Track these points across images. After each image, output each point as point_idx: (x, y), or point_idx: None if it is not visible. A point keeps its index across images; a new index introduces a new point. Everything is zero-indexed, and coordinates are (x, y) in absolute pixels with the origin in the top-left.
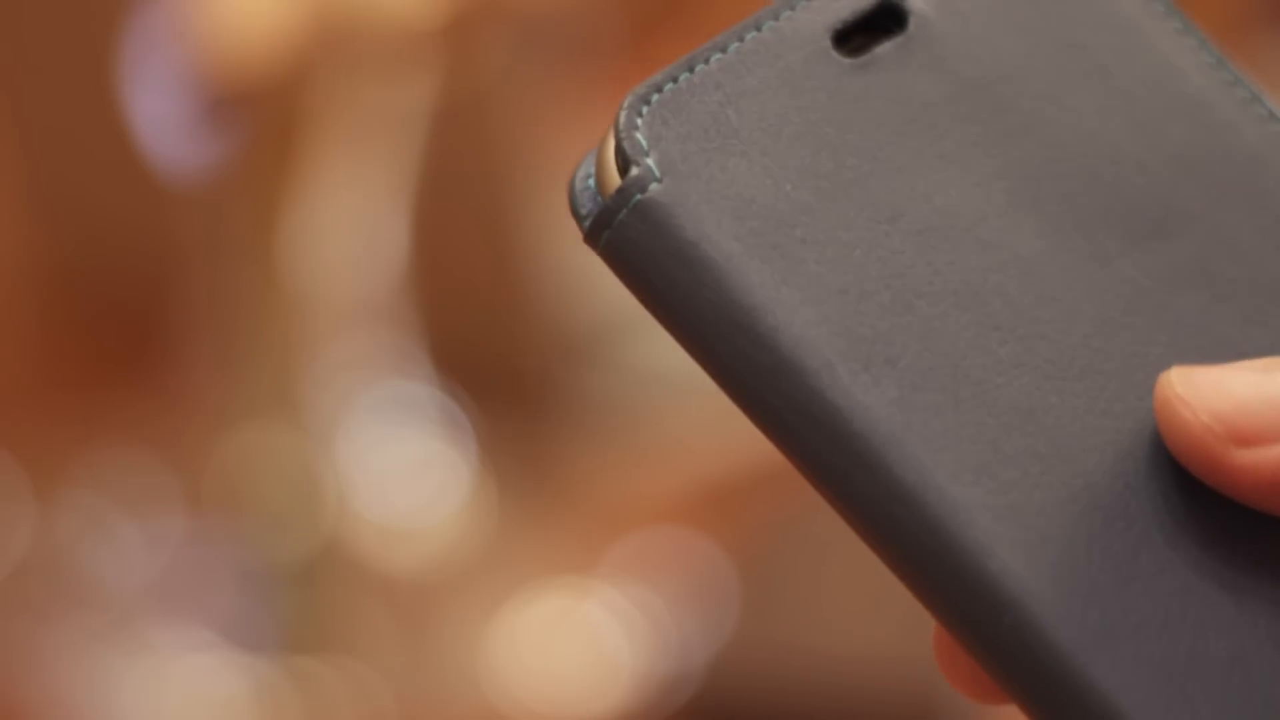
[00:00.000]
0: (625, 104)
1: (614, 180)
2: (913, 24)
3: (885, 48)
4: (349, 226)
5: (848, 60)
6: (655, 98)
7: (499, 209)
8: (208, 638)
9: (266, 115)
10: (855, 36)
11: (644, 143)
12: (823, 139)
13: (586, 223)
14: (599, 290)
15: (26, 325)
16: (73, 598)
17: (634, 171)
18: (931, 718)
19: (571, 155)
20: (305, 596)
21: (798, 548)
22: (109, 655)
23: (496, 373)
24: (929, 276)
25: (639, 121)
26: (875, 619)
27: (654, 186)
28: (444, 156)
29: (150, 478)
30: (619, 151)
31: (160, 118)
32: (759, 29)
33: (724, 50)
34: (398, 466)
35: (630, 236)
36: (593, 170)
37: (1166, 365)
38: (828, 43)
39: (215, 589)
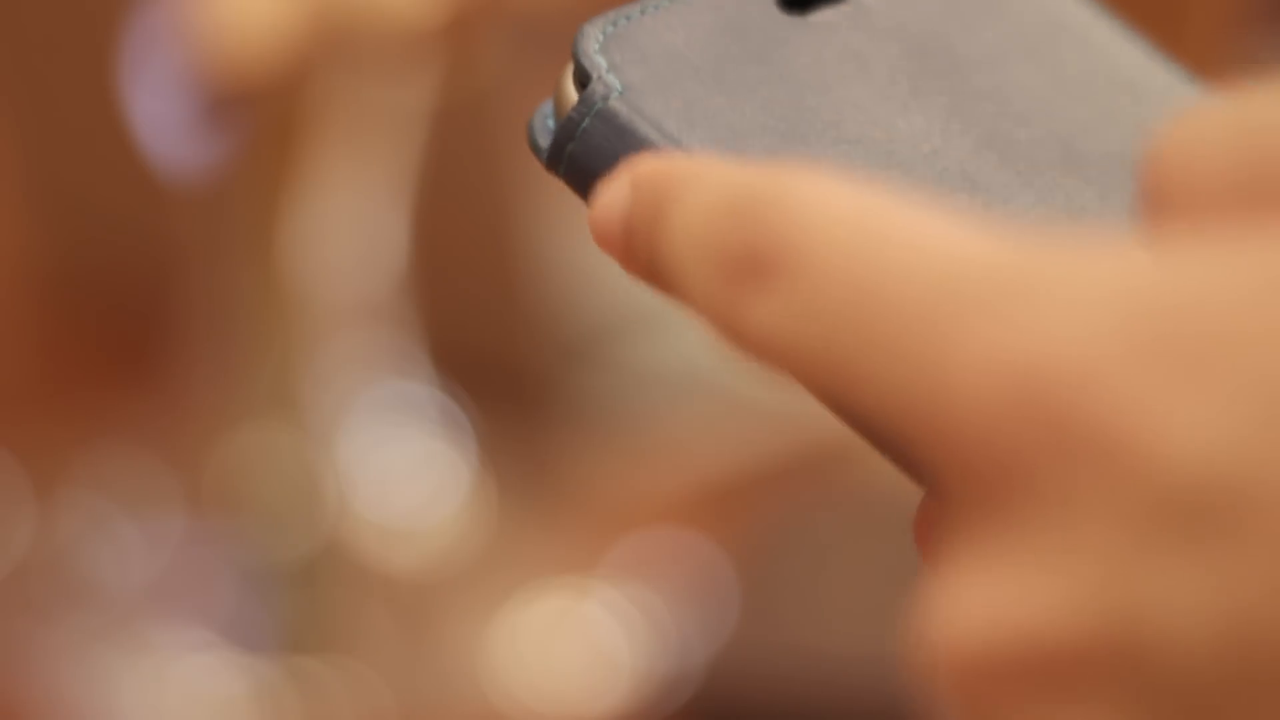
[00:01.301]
0: (581, 33)
1: (574, 99)
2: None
3: (825, 12)
4: (349, 226)
5: (790, 17)
6: (610, 29)
7: (499, 209)
8: (208, 638)
9: (266, 115)
10: (797, 2)
11: (603, 62)
12: (771, 72)
13: (548, 145)
14: (599, 290)
15: (26, 325)
16: (73, 598)
17: (595, 83)
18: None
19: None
20: (305, 596)
21: (798, 548)
22: (109, 655)
23: (496, 373)
24: (879, 178)
25: (596, 46)
26: (875, 619)
27: (615, 94)
28: (444, 156)
29: (150, 478)
30: (578, 71)
31: (160, 118)
32: None
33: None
34: (398, 466)
35: (595, 143)
36: (550, 108)
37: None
38: (772, 3)
39: (215, 589)
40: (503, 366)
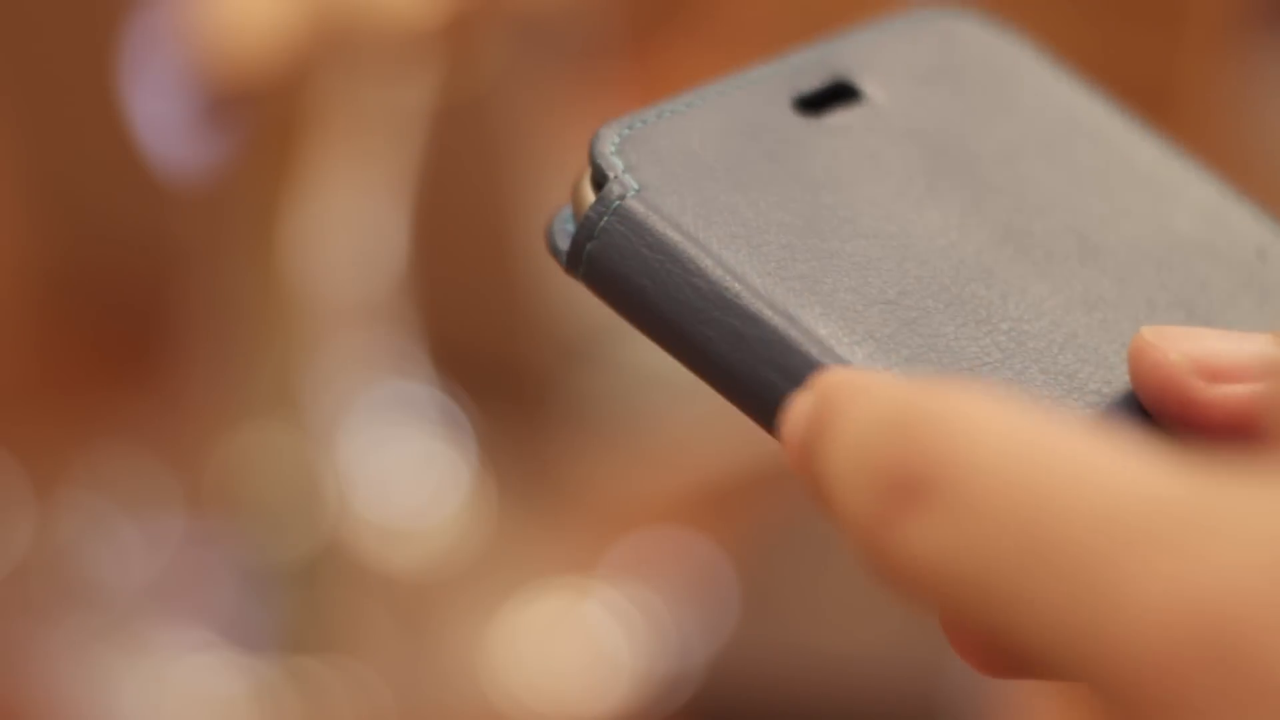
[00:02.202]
0: (597, 136)
1: (591, 200)
2: (863, 99)
3: (838, 115)
4: (349, 226)
5: (805, 119)
6: (626, 132)
7: (499, 209)
8: (208, 638)
9: (266, 115)
10: (811, 106)
11: (619, 163)
12: (786, 171)
13: (567, 247)
14: None
15: (26, 325)
16: (73, 598)
17: (612, 183)
18: (931, 718)
19: (572, 155)
20: (305, 596)
21: (798, 548)
22: (109, 655)
23: (496, 373)
24: (896, 271)
25: (612, 149)
26: (875, 619)
27: (633, 192)
28: (444, 156)
29: (150, 478)
30: (595, 173)
31: (160, 118)
32: (723, 93)
33: (688, 103)
34: (398, 466)
35: (613, 241)
36: (569, 212)
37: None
38: (787, 104)
39: (215, 589)
40: (503, 366)
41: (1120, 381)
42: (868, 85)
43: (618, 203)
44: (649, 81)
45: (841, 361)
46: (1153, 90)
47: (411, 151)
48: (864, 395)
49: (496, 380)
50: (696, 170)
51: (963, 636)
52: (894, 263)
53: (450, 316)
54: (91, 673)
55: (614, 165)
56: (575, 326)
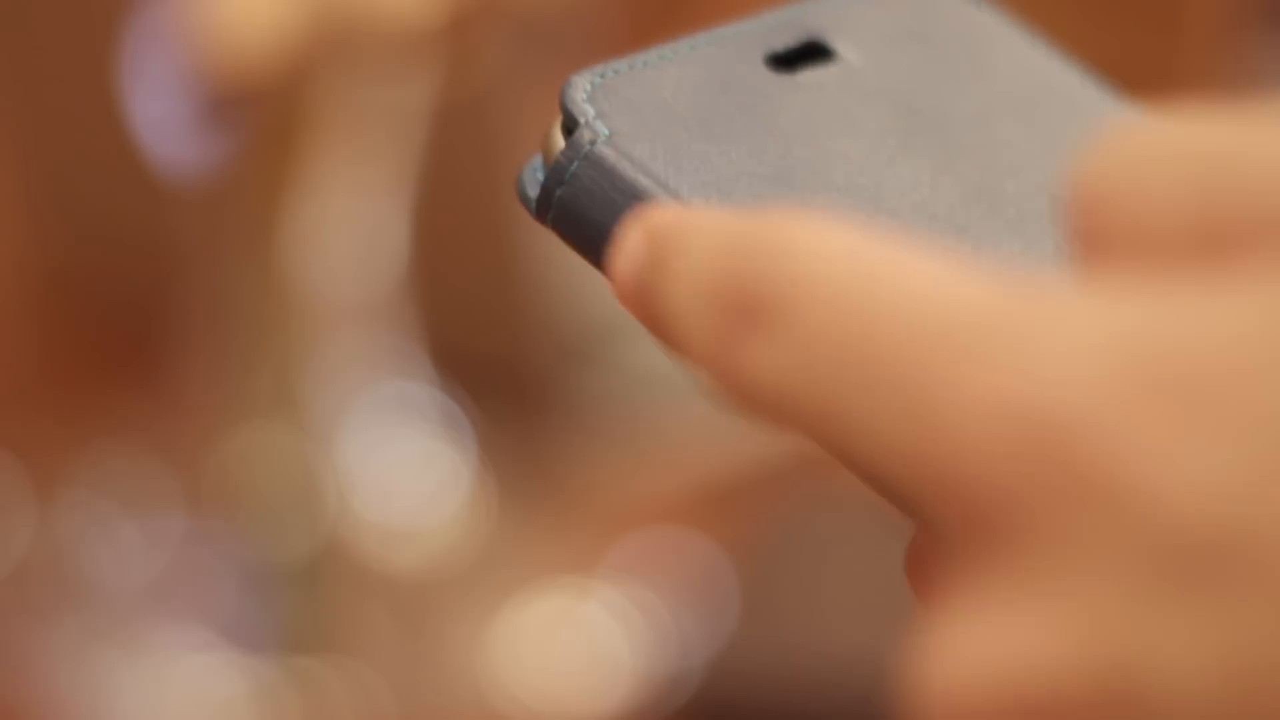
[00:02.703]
0: (568, 83)
1: (562, 146)
2: (836, 58)
3: (811, 73)
4: (349, 226)
5: (778, 76)
6: (598, 80)
7: (499, 209)
8: (208, 638)
9: (266, 115)
10: (785, 63)
11: (590, 110)
12: (758, 124)
13: (537, 193)
14: (599, 291)
15: (26, 325)
16: (73, 598)
17: (583, 129)
18: None
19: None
20: (305, 596)
21: (798, 548)
22: (109, 655)
23: (496, 373)
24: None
25: (584, 96)
26: (875, 619)
27: (602, 139)
28: (444, 156)
29: (150, 478)
30: (566, 120)
31: (160, 118)
32: (696, 47)
33: (661, 55)
34: (398, 466)
35: (582, 187)
36: (539, 160)
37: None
38: (760, 60)
39: (215, 589)
40: (503, 366)
41: None
42: (841, 45)
43: (588, 148)
44: None
45: None
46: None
47: (411, 151)
48: (699, 228)
49: (496, 380)
50: (668, 119)
51: (926, 585)
52: (865, 215)
53: (450, 316)
54: (91, 673)
55: (585, 112)
56: (575, 326)
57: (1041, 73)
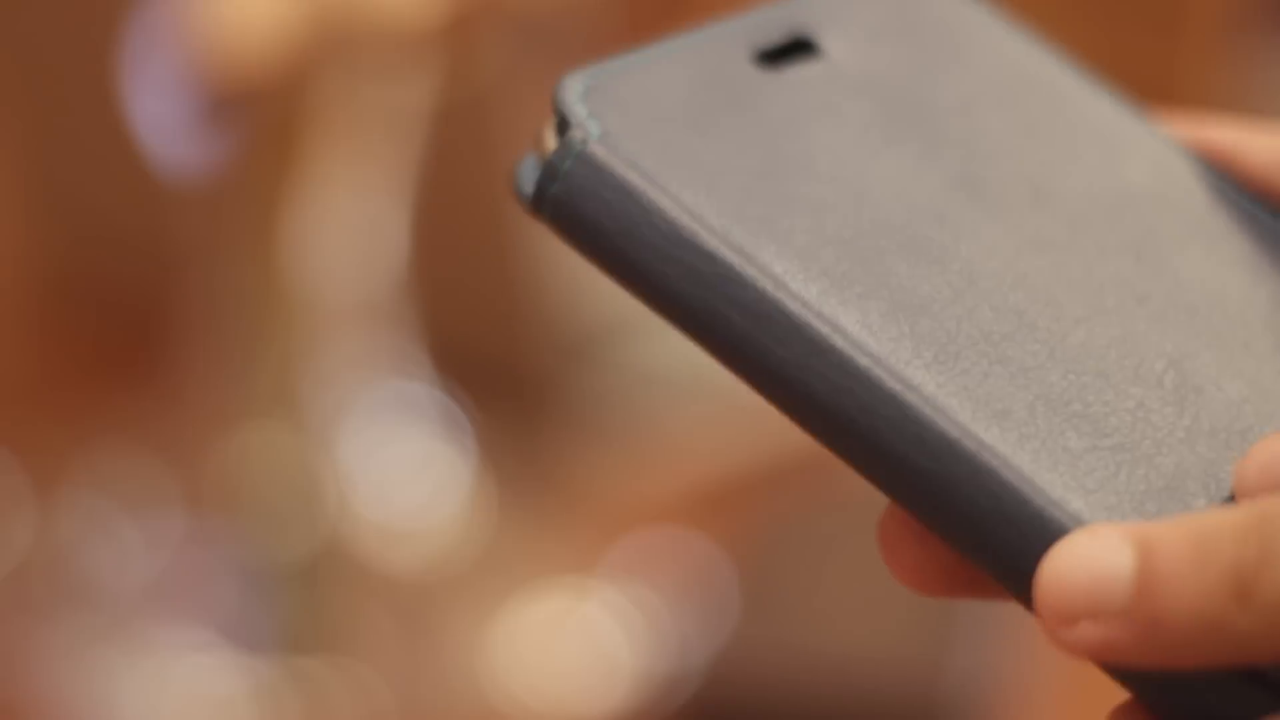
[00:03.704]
0: (561, 84)
1: (555, 145)
2: (821, 54)
3: (796, 69)
4: (349, 226)
5: (764, 72)
6: (590, 81)
7: (499, 209)
8: (208, 638)
9: (266, 115)
10: (771, 60)
11: (583, 110)
12: (745, 119)
13: (531, 189)
14: (599, 291)
15: (27, 325)
16: (73, 598)
17: (575, 128)
18: (932, 718)
19: None
20: (305, 596)
21: (798, 548)
22: (109, 655)
23: (496, 373)
24: (851, 213)
25: (576, 96)
26: (875, 619)
27: (595, 137)
28: (444, 156)
29: (150, 478)
30: (560, 119)
31: (160, 118)
32: (684, 46)
33: (650, 55)
34: (398, 466)
35: (576, 183)
36: (534, 158)
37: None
38: (746, 57)
39: (215, 589)
40: (503, 366)
41: (1067, 319)
42: (826, 41)
43: (580, 147)
44: None
45: (795, 296)
46: (1153, 90)
47: (411, 151)
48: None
49: (496, 380)
50: (657, 117)
51: (898, 556)
52: (849, 206)
53: (450, 316)
54: (91, 673)
55: (577, 112)
56: (575, 327)
57: (1024, 62)
